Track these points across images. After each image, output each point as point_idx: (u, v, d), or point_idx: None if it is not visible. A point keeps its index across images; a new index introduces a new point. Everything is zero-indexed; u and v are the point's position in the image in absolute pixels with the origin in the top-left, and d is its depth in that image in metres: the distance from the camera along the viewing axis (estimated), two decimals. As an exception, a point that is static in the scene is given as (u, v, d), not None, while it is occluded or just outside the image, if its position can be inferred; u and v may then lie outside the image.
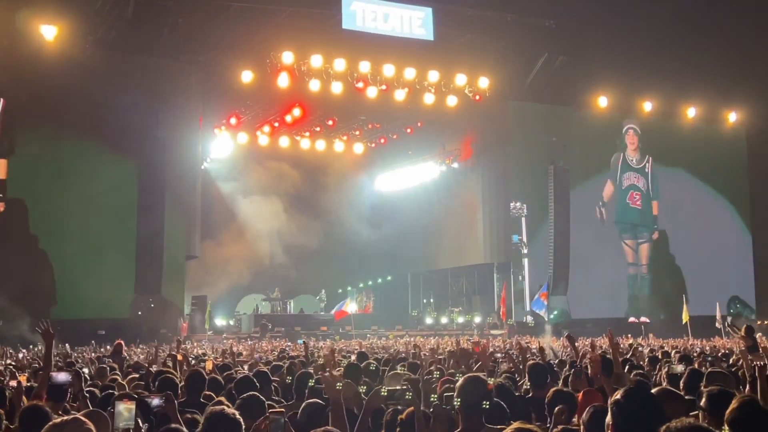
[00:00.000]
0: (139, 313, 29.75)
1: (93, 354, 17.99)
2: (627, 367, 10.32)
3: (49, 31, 27.39)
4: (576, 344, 11.62)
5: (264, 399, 5.80)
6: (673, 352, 14.33)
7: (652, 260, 39.31)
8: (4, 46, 27.24)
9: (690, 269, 39.08)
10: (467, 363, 9.34)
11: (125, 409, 4.55)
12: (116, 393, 6.56)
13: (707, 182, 40.15)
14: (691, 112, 39.17)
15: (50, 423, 3.80)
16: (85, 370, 10.68)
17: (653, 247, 39.35)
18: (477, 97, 34.37)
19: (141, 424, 4.89)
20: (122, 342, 14.73)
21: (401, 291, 45.15)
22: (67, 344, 19.85)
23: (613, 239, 38.79)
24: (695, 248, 39.07)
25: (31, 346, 21.52)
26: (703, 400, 4.80)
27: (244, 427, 4.11)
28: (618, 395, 3.94)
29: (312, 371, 8.86)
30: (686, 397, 5.57)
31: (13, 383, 7.09)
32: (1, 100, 28.03)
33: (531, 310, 35.20)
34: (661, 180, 39.41)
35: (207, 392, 7.48)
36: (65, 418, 3.83)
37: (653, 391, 5.03)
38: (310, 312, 40.63)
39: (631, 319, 37.16)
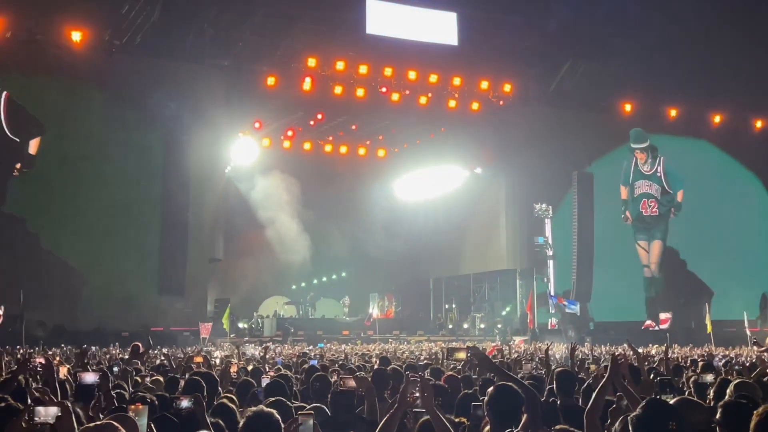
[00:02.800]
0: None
1: (119, 355, 18.11)
2: (652, 375, 10.24)
3: (75, 35, 27.65)
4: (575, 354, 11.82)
5: (290, 403, 5.82)
6: (699, 360, 14.17)
7: (673, 264, 38.78)
8: (32, 49, 27.56)
9: (717, 270, 38.43)
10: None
11: (137, 414, 4.58)
12: (146, 395, 6.60)
13: (731, 185, 39.55)
14: (716, 118, 38.76)
15: (84, 427, 3.85)
16: (115, 369, 10.75)
17: (668, 251, 38.81)
18: (501, 103, 34.30)
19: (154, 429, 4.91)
20: (139, 344, 14.90)
21: (423, 296, 45.09)
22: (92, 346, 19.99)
23: (631, 242, 38.57)
24: (721, 247, 38.47)
25: (58, 348, 21.68)
26: (719, 413, 4.74)
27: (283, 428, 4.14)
28: (637, 410, 3.93)
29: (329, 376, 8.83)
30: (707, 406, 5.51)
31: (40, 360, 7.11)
32: (4, 93, 28.35)
33: (563, 309, 34.78)
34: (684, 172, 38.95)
35: (232, 396, 7.50)
36: (98, 423, 3.88)
37: (673, 401, 4.98)
38: (331, 316, 40.71)
39: (648, 322, 36.79)
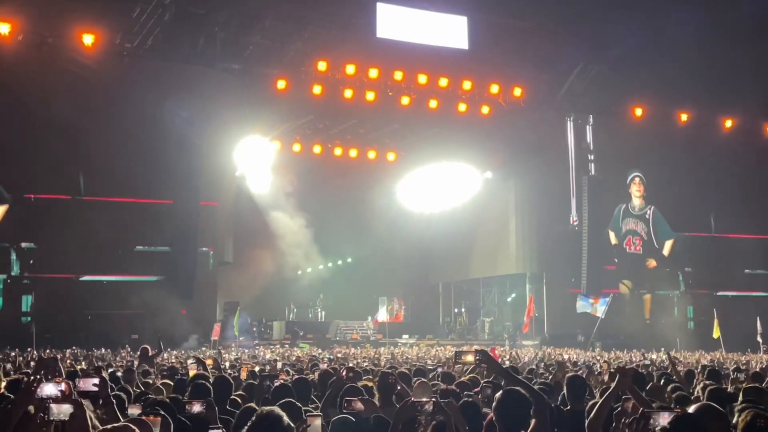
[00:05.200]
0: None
1: (129, 357, 18.21)
2: (663, 381, 10.22)
3: (87, 38, 27.79)
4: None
5: (300, 405, 5.83)
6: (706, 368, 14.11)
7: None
8: (43, 52, 27.72)
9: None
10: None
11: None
12: (155, 397, 6.64)
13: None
14: (728, 123, 38.51)
15: (101, 429, 3.91)
16: (119, 374, 10.80)
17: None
18: (511, 107, 34.28)
19: None
20: (148, 347, 15.01)
21: (432, 300, 45.07)
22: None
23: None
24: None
25: (69, 349, 21.80)
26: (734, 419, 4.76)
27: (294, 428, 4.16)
28: (666, 423, 3.97)
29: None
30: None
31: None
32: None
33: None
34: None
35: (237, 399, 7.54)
36: (116, 424, 3.92)
37: (691, 408, 4.98)
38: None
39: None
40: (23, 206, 28.91)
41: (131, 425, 3.97)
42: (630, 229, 38.23)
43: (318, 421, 4.57)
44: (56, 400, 4.17)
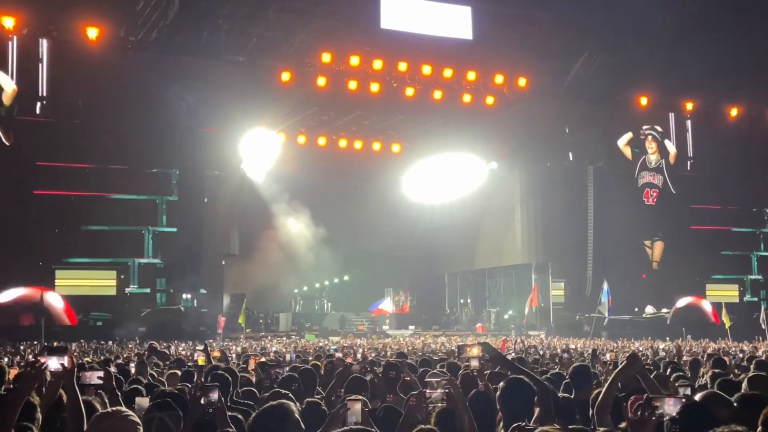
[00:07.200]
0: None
1: (136, 350, 18.29)
2: (669, 370, 10.24)
3: (91, 32, 27.83)
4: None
5: (290, 395, 5.84)
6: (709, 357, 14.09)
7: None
8: (49, 46, 27.77)
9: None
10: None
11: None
12: (166, 389, 6.68)
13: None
14: (733, 111, 38.34)
15: (96, 414, 3.97)
16: (131, 365, 10.86)
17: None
18: (515, 97, 34.21)
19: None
20: (156, 343, 15.11)
21: (438, 291, 45.09)
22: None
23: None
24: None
25: (76, 342, 21.92)
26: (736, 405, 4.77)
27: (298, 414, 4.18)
28: (675, 413, 4.00)
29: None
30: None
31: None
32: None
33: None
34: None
35: (251, 389, 7.58)
36: (110, 409, 3.98)
37: (698, 396, 5.00)
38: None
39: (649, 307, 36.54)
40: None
41: (124, 409, 4.01)
42: (647, 182, 38.76)
43: (358, 405, 4.52)
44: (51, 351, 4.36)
